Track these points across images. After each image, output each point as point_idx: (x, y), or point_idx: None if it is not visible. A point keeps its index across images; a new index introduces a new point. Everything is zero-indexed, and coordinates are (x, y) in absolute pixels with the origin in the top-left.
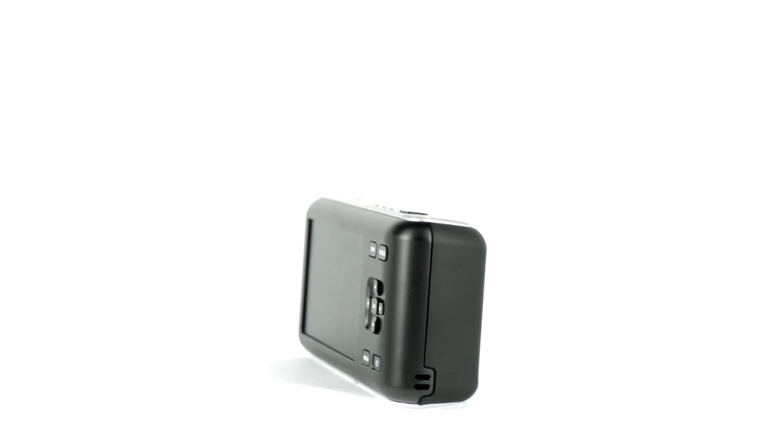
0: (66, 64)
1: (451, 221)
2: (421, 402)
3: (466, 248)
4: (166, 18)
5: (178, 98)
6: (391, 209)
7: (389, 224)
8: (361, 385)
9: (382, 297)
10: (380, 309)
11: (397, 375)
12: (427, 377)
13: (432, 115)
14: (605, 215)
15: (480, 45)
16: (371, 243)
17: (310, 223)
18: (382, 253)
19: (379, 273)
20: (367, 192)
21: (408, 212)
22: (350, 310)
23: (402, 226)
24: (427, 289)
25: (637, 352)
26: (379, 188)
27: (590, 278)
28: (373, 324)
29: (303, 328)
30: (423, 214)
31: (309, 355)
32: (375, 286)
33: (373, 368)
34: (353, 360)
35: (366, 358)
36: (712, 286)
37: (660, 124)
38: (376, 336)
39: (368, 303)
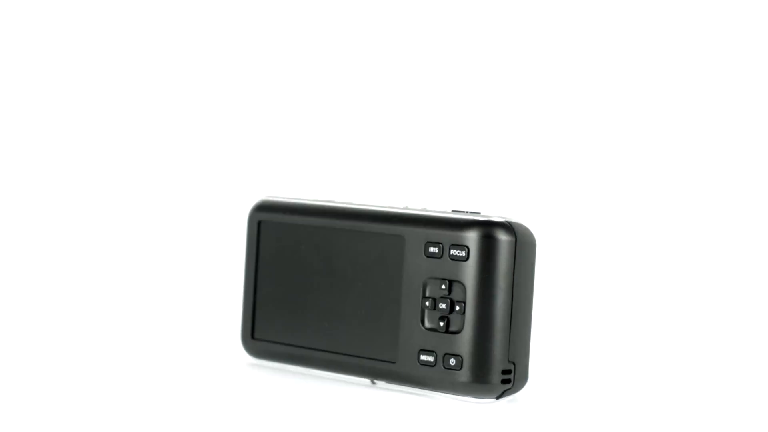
0: None
1: (510, 219)
2: (499, 396)
3: (528, 245)
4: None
5: (103, 100)
6: (427, 209)
7: (465, 224)
8: (383, 384)
9: (453, 296)
10: (456, 308)
11: (486, 371)
12: (510, 371)
13: (348, 113)
14: (601, 206)
15: (423, 31)
16: (431, 244)
17: (258, 224)
18: (460, 253)
19: (453, 273)
20: (312, 191)
21: (461, 211)
22: (381, 311)
23: (484, 226)
24: (512, 286)
25: (673, 345)
26: (317, 188)
27: (609, 271)
28: (441, 324)
29: (252, 333)
30: (476, 212)
31: (253, 360)
32: (443, 286)
33: (446, 367)
34: (393, 362)
35: (428, 358)
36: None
37: (693, 120)
38: (450, 336)
39: (429, 303)
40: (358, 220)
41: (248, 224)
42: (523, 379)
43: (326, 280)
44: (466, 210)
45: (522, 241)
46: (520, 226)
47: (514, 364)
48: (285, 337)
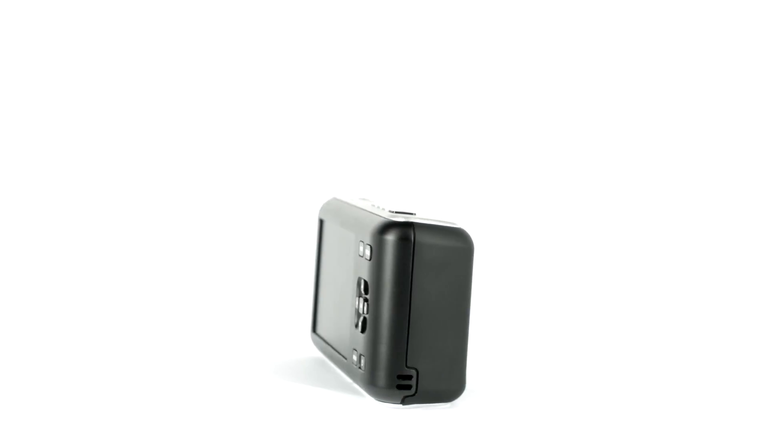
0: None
1: (438, 221)
2: (404, 402)
3: (452, 248)
4: (172, 19)
5: (188, 100)
6: (383, 209)
7: (375, 224)
8: (354, 385)
9: (368, 296)
10: (366, 308)
11: (380, 374)
12: (410, 377)
13: (439, 118)
14: (593, 215)
15: (483, 47)
16: (360, 243)
17: (321, 223)
18: (368, 252)
19: (365, 272)
20: (376, 192)
21: (396, 212)
22: (345, 309)
23: (387, 226)
24: (410, 289)
25: (626, 351)
26: (389, 188)
27: (579, 278)
28: (360, 323)
29: (314, 327)
30: (411, 213)
31: (319, 354)
32: (362, 286)
33: (359, 367)
34: (346, 359)
35: (354, 358)
36: (697, 286)
37: (646, 121)
38: (362, 335)
39: (357, 302)
40: (342, 219)
41: (318, 221)
42: (450, 387)
43: (330, 277)
44: (401, 210)
45: (432, 244)
46: (452, 228)
47: (416, 370)
48: (323, 331)
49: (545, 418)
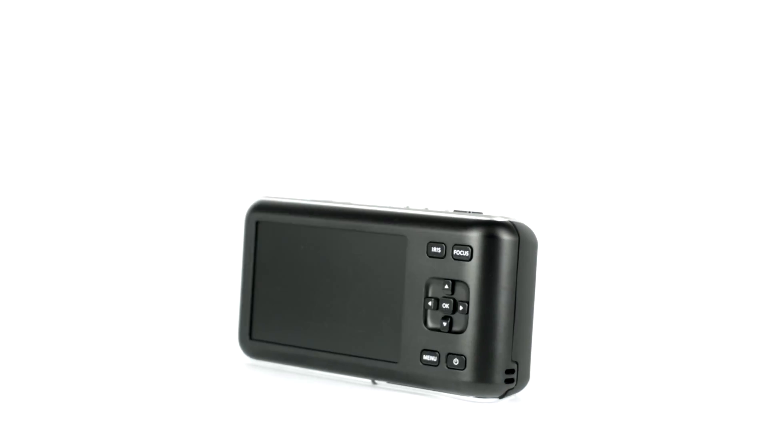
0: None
1: (513, 219)
2: (502, 396)
3: (530, 244)
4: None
5: (106, 99)
6: (429, 209)
7: (468, 224)
8: (384, 384)
9: (456, 296)
10: (459, 308)
11: (490, 371)
12: (513, 371)
13: (347, 113)
14: (613, 208)
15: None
16: (433, 244)
17: (256, 225)
18: (463, 252)
19: (456, 273)
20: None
21: (463, 211)
22: (383, 311)
23: (487, 226)
24: (515, 286)
25: (674, 344)
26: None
27: (583, 271)
28: (444, 324)
29: (250, 334)
30: (478, 212)
31: (251, 360)
32: (446, 286)
33: (450, 367)
34: (396, 362)
35: (431, 358)
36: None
37: (701, 121)
38: (454, 335)
39: (432, 303)
40: (359, 220)
41: (246, 225)
42: (525, 378)
43: (326, 280)
44: (468, 210)
45: (524, 241)
46: (522, 225)
47: (517, 363)
48: (284, 337)
49: (601, 407)
